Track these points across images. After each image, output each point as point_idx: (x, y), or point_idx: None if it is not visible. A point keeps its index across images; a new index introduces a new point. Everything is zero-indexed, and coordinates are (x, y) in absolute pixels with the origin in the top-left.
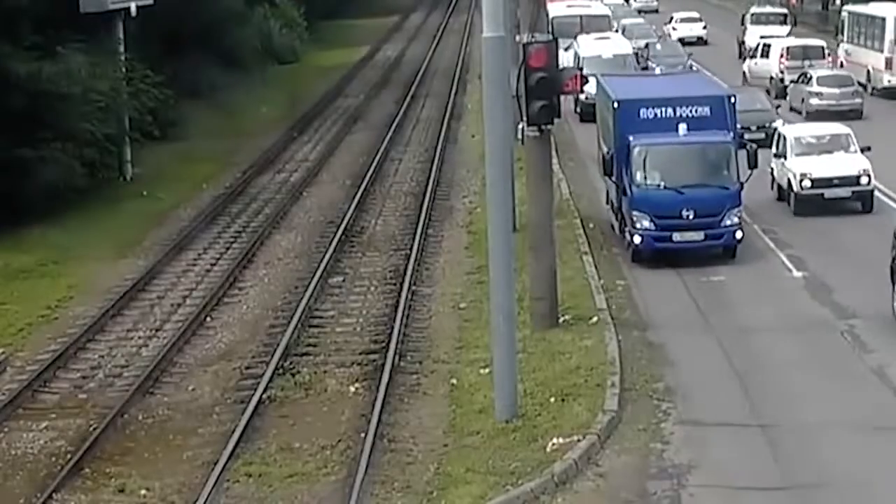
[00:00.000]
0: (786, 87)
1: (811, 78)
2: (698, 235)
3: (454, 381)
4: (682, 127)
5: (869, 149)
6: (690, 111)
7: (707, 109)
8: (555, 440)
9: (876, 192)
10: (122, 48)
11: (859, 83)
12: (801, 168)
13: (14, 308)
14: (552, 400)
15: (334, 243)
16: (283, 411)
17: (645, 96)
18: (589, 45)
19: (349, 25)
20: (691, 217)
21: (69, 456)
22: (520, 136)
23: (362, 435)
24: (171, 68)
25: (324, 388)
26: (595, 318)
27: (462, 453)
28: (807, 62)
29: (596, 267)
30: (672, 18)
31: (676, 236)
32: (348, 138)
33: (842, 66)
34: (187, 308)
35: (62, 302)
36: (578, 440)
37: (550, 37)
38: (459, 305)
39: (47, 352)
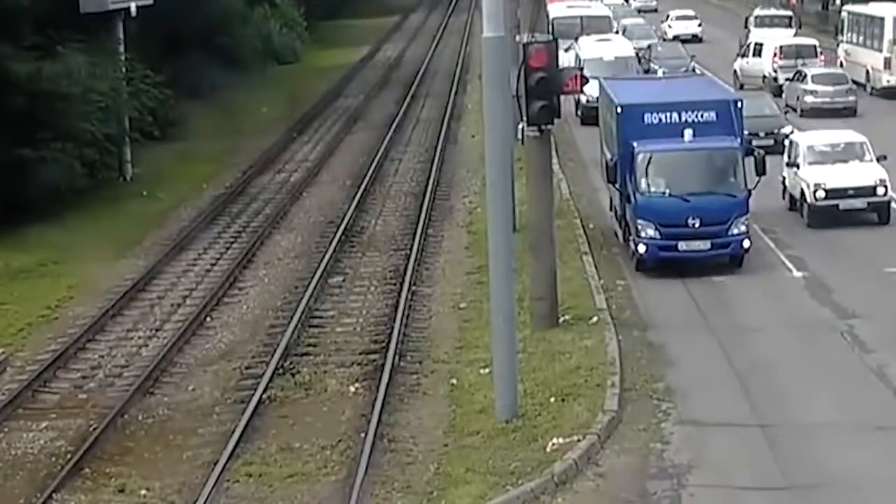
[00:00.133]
0: (780, 86)
1: (806, 76)
2: (704, 244)
3: (454, 381)
4: (688, 132)
5: (885, 157)
6: (696, 116)
7: (713, 114)
8: (555, 440)
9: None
10: (122, 48)
11: (855, 82)
12: (814, 178)
13: (14, 308)
14: (552, 400)
15: (334, 243)
16: (283, 411)
17: (649, 101)
18: (590, 47)
19: (349, 25)
20: (697, 226)
21: (69, 456)
22: (520, 136)
23: (362, 435)
24: (171, 68)
25: (324, 388)
26: (595, 318)
27: (462, 453)
28: (800, 61)
29: (596, 267)
30: (668, 16)
31: (682, 245)
32: (348, 138)
33: (841, 65)
34: (187, 308)
35: (62, 302)
36: (578, 440)
37: (550, 37)
38: (459, 305)
39: (47, 352)
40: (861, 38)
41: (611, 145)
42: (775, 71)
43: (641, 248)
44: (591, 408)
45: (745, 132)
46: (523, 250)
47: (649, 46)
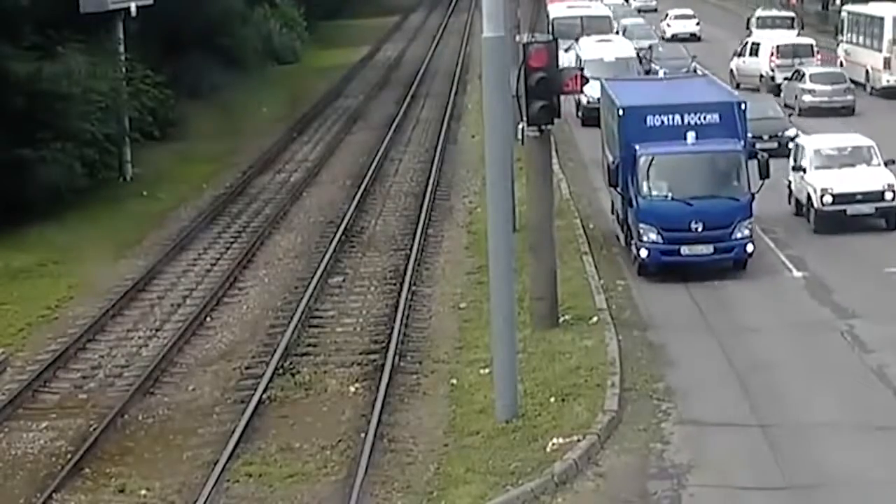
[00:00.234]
0: (778, 85)
1: (804, 75)
2: (707, 249)
3: (454, 381)
4: (691, 135)
5: (893, 162)
6: (699, 118)
7: (716, 116)
8: (555, 440)
9: None
10: (122, 48)
11: (855, 82)
12: (821, 182)
13: (14, 308)
14: (552, 400)
15: (334, 243)
16: (283, 411)
17: (651, 103)
18: (591, 48)
19: (349, 25)
20: (700, 230)
21: (69, 456)
22: (520, 136)
23: (362, 435)
24: (171, 68)
25: (324, 388)
26: (595, 318)
27: (462, 453)
28: (797, 60)
29: (596, 267)
30: (667, 15)
31: (685, 250)
32: (348, 138)
33: (841, 65)
34: (187, 308)
35: (62, 302)
36: (578, 440)
37: (550, 37)
38: (459, 305)
39: (47, 352)
40: (861, 38)
41: (612, 148)
42: (772, 70)
43: (643, 253)
44: (591, 408)
45: (749, 135)
46: (523, 250)
47: (650, 47)
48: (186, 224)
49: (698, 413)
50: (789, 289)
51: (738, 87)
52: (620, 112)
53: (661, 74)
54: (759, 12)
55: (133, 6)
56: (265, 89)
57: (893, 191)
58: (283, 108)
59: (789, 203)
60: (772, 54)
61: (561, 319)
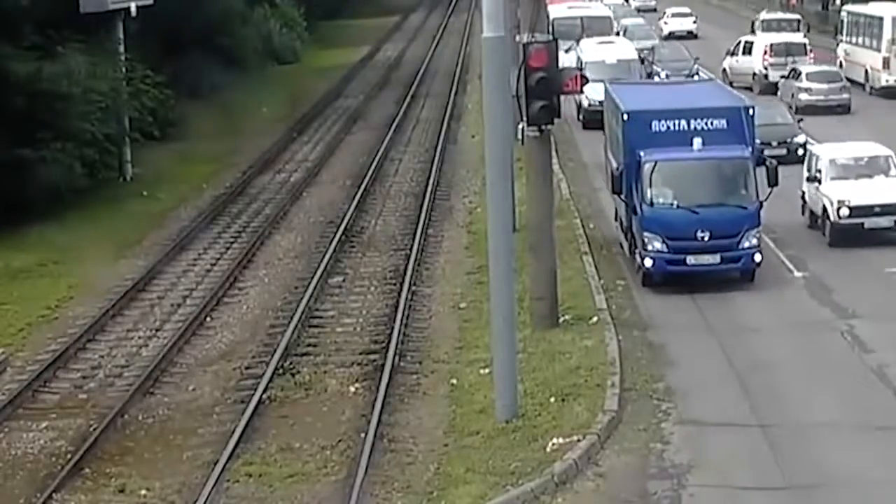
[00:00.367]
0: (774, 83)
1: (800, 74)
2: (714, 258)
3: (454, 381)
4: (697, 141)
5: None
6: (706, 124)
7: (724, 122)
8: (555, 440)
9: None
10: (122, 48)
11: (855, 81)
12: (837, 194)
13: (14, 308)
14: (552, 400)
15: (334, 243)
16: (283, 411)
17: (656, 107)
18: (592, 50)
19: (349, 25)
20: (707, 239)
21: (69, 456)
22: (520, 136)
23: (362, 435)
24: (171, 68)
25: (324, 388)
26: (595, 319)
27: (462, 453)
28: (790, 58)
29: (596, 267)
30: (665, 14)
31: (691, 259)
32: (348, 138)
33: (841, 65)
34: (187, 308)
35: (62, 302)
36: (578, 440)
37: (550, 37)
38: (459, 305)
39: (47, 352)
40: (860, 38)
41: (616, 153)
42: (765, 69)
43: (648, 262)
44: (591, 408)
45: (757, 141)
46: (523, 250)
47: (652, 48)
48: (186, 224)
49: (698, 413)
50: (789, 289)
51: (731, 85)
52: (624, 117)
53: (662, 76)
54: (764, 15)
55: (133, 6)
56: (265, 89)
57: None
58: (283, 108)
59: (803, 214)
60: (765, 53)
61: (561, 319)
